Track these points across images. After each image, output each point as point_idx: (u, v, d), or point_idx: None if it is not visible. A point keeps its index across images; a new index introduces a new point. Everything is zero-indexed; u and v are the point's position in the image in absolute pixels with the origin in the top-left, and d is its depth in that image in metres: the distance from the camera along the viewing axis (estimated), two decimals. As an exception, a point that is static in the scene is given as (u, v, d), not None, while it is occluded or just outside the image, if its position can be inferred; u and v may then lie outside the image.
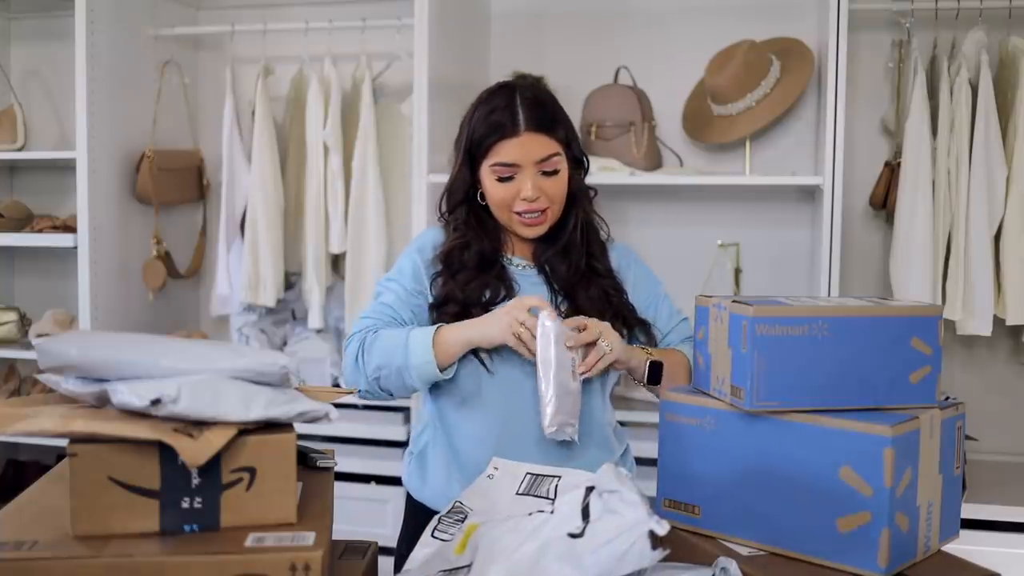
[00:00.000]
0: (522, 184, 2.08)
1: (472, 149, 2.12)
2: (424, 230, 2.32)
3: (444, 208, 2.23)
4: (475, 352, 2.07)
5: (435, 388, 2.17)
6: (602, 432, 2.19)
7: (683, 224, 3.85)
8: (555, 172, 2.10)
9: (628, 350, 2.09)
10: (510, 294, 2.14)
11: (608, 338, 2.02)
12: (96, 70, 3.66)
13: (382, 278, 2.23)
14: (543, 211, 2.12)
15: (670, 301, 2.32)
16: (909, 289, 3.29)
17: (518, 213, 2.11)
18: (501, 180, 2.09)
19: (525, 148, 2.07)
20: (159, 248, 3.92)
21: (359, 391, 2.10)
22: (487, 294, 2.13)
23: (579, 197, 2.20)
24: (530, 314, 1.97)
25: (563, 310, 2.15)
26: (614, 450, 2.22)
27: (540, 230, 2.15)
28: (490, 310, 2.09)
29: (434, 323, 2.09)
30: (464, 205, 2.19)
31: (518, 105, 2.08)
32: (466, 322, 2.04)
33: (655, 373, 2.09)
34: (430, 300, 2.15)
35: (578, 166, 2.20)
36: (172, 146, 4.03)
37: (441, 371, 2.02)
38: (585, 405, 2.14)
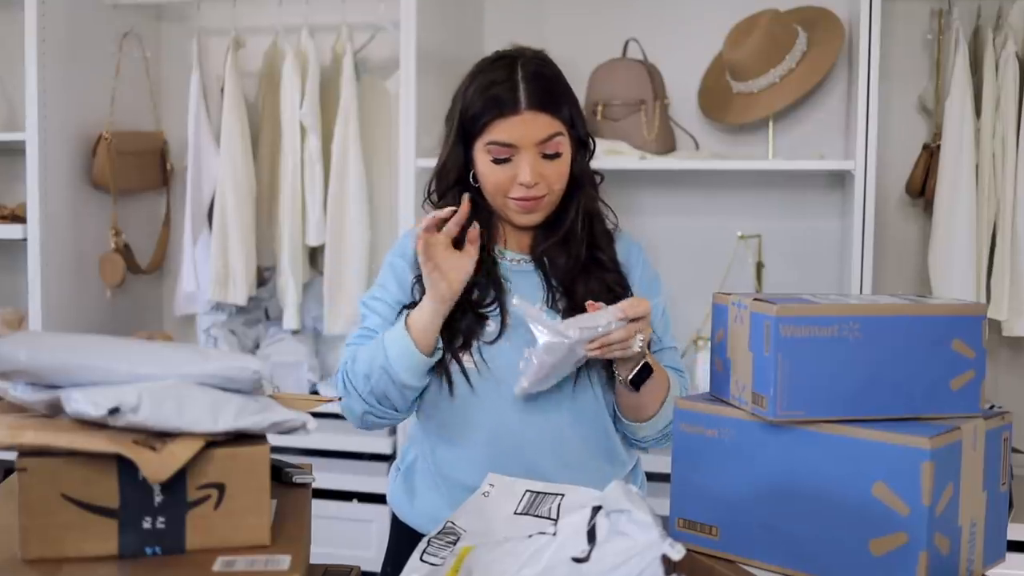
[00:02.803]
0: (519, 167, 2.06)
1: (466, 125, 2.10)
2: (403, 234, 2.32)
3: (433, 190, 2.22)
4: (460, 364, 2.08)
5: (423, 406, 2.18)
6: (609, 444, 2.19)
7: (699, 213, 3.86)
8: (557, 155, 2.08)
9: None
10: (500, 294, 2.12)
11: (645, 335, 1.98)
12: (48, 42, 3.65)
13: (365, 297, 2.23)
14: (540, 198, 2.10)
15: (668, 321, 2.28)
16: (950, 286, 3.29)
17: (513, 199, 2.10)
18: (497, 162, 2.07)
19: (525, 128, 2.05)
20: (118, 240, 3.92)
21: (360, 422, 2.13)
22: (475, 293, 2.11)
23: (583, 182, 2.17)
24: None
25: (560, 308, 2.14)
26: (624, 463, 2.22)
27: (535, 217, 2.13)
28: (480, 312, 2.10)
29: None
30: (456, 189, 2.16)
31: (519, 79, 2.06)
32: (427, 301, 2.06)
33: (641, 376, 2.04)
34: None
35: (582, 148, 2.18)
36: (132, 127, 4.03)
37: (427, 355, 2.03)
38: (591, 414, 2.14)
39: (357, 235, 3.74)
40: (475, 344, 2.08)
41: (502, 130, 2.05)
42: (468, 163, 2.14)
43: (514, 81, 2.06)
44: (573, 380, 2.09)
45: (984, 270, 3.34)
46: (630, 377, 2.03)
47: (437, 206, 2.19)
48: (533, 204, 2.10)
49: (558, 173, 2.10)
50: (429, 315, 2.03)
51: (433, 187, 2.21)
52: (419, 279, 2.13)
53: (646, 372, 2.03)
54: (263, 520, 1.36)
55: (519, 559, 1.43)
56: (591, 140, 2.21)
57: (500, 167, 2.07)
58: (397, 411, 2.10)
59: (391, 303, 2.16)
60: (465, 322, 2.08)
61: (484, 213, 2.17)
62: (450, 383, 2.09)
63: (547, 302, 2.14)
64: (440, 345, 2.06)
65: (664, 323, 2.25)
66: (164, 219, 4.19)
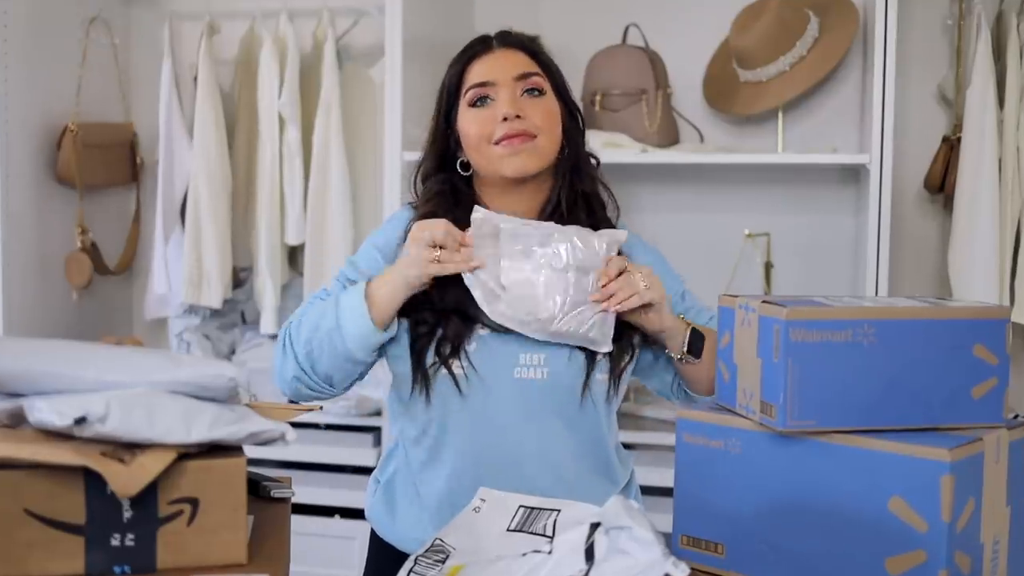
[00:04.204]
0: (500, 103, 2.06)
1: (446, 93, 2.13)
2: (395, 212, 2.30)
3: (418, 177, 2.21)
4: (449, 370, 2.04)
5: (401, 414, 2.16)
6: (604, 455, 2.17)
7: (704, 210, 3.86)
8: (540, 93, 2.09)
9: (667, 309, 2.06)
10: None
11: (648, 280, 2.00)
12: (9, 28, 3.64)
13: (339, 270, 2.20)
14: (528, 135, 2.05)
15: (696, 298, 2.26)
16: (971, 287, 3.30)
17: (497, 143, 2.05)
18: (476, 105, 2.08)
19: (499, 62, 2.08)
20: (84, 239, 3.92)
21: (288, 387, 2.07)
22: (461, 290, 2.04)
23: (579, 163, 2.16)
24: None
25: None
26: (617, 479, 2.20)
27: (526, 162, 2.06)
28: (469, 314, 2.04)
29: (410, 330, 2.06)
30: (440, 175, 2.16)
31: (492, 34, 2.13)
32: (390, 268, 2.02)
33: (696, 345, 2.05)
34: None
35: (573, 122, 2.17)
36: (100, 118, 4.03)
37: (381, 329, 1.98)
38: (588, 425, 2.13)
39: (339, 233, 3.75)
40: (463, 350, 2.05)
41: (476, 71, 2.09)
42: (453, 146, 2.15)
43: (487, 35, 2.13)
44: (578, 392, 2.08)
45: (1008, 270, 3.34)
46: (685, 348, 2.04)
47: (420, 186, 2.21)
48: (519, 141, 2.04)
49: (543, 111, 2.08)
50: (391, 290, 1.98)
51: (418, 175, 2.21)
52: None
53: (698, 338, 2.05)
54: (239, 537, 1.36)
55: (512, 579, 1.43)
56: (579, 116, 2.21)
57: (480, 111, 2.08)
58: (331, 386, 2.06)
59: (356, 279, 2.11)
60: (452, 328, 2.04)
61: (464, 195, 2.15)
62: (429, 393, 2.07)
63: None
64: (394, 326, 2.02)
65: (694, 302, 2.24)
66: (134, 216, 4.19)
